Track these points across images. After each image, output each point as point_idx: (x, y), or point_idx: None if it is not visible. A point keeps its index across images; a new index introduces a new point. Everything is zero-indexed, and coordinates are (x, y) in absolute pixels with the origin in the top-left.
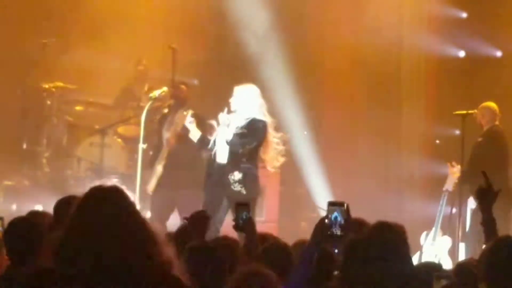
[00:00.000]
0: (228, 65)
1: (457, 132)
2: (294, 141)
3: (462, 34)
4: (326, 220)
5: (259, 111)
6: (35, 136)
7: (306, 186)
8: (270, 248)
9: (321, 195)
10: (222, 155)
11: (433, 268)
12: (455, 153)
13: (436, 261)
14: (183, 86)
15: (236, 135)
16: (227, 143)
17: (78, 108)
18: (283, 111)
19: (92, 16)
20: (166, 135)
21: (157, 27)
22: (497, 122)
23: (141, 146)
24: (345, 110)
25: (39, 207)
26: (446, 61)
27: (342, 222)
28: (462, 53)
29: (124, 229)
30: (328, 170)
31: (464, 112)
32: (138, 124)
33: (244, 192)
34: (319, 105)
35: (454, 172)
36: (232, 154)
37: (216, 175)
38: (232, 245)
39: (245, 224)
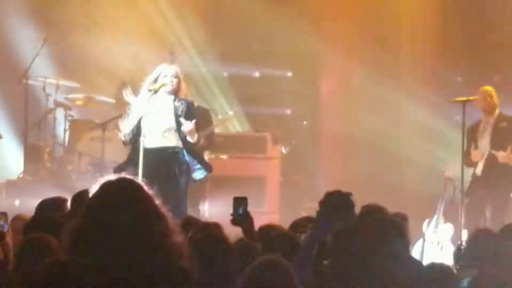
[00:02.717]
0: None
1: (457, 118)
2: (295, 130)
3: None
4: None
5: None
6: (36, 132)
7: (306, 175)
8: (277, 237)
9: (321, 185)
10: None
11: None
12: (454, 139)
13: (439, 248)
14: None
15: None
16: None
17: (78, 103)
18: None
19: (93, 11)
20: None
21: (155, 19)
22: None
23: (142, 139)
24: (342, 97)
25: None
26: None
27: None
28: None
29: (139, 219)
30: (328, 155)
31: (465, 98)
32: None
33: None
34: (317, 96)
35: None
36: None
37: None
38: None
39: (242, 219)
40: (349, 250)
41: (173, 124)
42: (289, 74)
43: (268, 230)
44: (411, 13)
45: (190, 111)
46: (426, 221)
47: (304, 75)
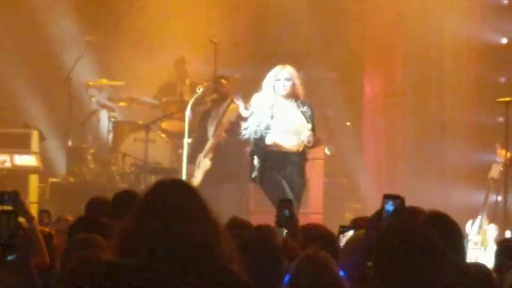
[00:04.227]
0: (270, 56)
1: (501, 119)
2: (338, 131)
3: (504, 20)
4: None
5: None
6: (80, 133)
7: (350, 177)
8: (320, 236)
9: (365, 186)
10: (290, 142)
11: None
12: (499, 141)
13: (482, 250)
14: (223, 81)
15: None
16: (311, 129)
17: (122, 104)
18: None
19: (134, 12)
20: (211, 129)
21: (198, 21)
22: None
23: (186, 140)
24: (386, 99)
25: None
26: (488, 47)
27: (397, 215)
28: (504, 40)
29: (190, 222)
30: (371, 161)
31: (508, 99)
32: (182, 119)
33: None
34: (361, 97)
35: (501, 154)
36: (300, 142)
37: (289, 163)
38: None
39: (287, 221)
40: (395, 253)
41: (298, 127)
42: (333, 74)
43: (310, 228)
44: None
45: (313, 118)
46: (470, 222)
47: (347, 75)
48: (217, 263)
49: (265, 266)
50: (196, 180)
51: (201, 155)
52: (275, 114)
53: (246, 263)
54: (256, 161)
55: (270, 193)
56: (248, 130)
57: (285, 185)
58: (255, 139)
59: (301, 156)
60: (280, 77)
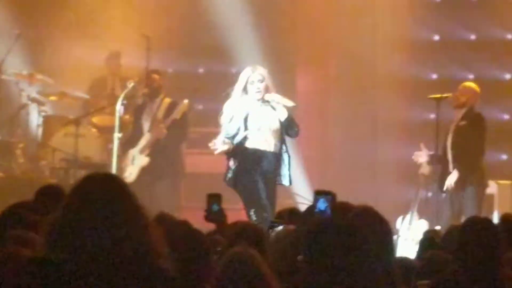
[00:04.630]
0: (202, 51)
1: (432, 116)
2: None
3: (436, 18)
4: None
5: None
6: (9, 127)
7: None
8: (245, 231)
9: (296, 182)
10: (267, 140)
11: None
12: (430, 137)
13: (414, 245)
14: (155, 75)
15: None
16: (291, 128)
17: (52, 98)
18: None
19: (66, 6)
20: (146, 124)
21: (131, 15)
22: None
23: (117, 135)
24: (319, 96)
25: None
26: (421, 44)
27: (328, 211)
28: (436, 37)
29: (118, 216)
30: (303, 156)
31: (439, 96)
32: (113, 113)
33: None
34: (293, 94)
35: (419, 155)
36: (282, 140)
37: (266, 160)
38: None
39: (216, 215)
40: (325, 245)
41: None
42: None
43: (238, 225)
44: (386, 10)
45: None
46: (400, 217)
47: (280, 72)
48: (145, 258)
49: (193, 261)
50: (132, 176)
51: (134, 150)
52: (249, 115)
53: (174, 259)
54: (232, 162)
55: (244, 196)
56: (229, 137)
57: (261, 186)
58: (233, 142)
59: (278, 154)
60: (254, 80)
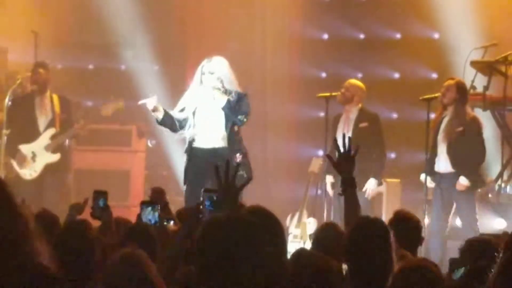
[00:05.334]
0: (93, 48)
1: (322, 114)
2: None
3: (325, 17)
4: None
5: (237, 85)
6: None
7: (172, 169)
8: (135, 231)
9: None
10: (215, 135)
11: None
12: (320, 135)
13: (302, 243)
14: (41, 70)
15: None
16: (234, 119)
17: None
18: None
19: None
20: (42, 121)
21: (19, 11)
22: None
23: (4, 132)
24: None
25: None
26: (310, 43)
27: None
28: (325, 36)
29: None
30: None
31: (328, 94)
32: (0, 109)
33: (245, 175)
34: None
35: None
36: (230, 134)
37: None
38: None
39: (102, 212)
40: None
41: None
42: (156, 67)
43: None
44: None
45: (242, 102)
46: (290, 215)
47: (170, 69)
48: (25, 257)
49: (76, 259)
50: (36, 173)
51: (33, 146)
52: (197, 109)
53: (56, 256)
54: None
55: (186, 198)
56: (187, 131)
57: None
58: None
59: (229, 148)
60: (205, 71)
